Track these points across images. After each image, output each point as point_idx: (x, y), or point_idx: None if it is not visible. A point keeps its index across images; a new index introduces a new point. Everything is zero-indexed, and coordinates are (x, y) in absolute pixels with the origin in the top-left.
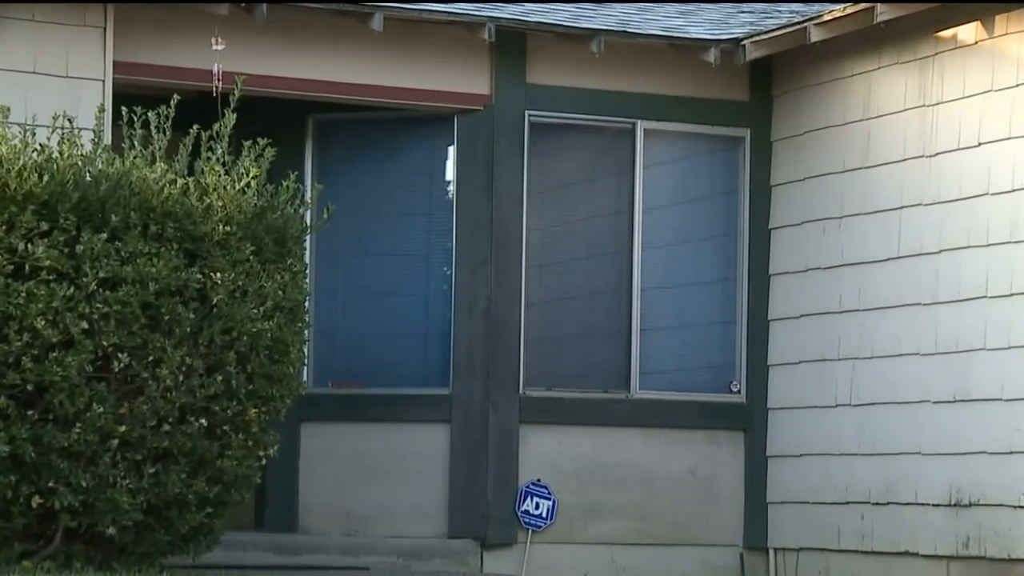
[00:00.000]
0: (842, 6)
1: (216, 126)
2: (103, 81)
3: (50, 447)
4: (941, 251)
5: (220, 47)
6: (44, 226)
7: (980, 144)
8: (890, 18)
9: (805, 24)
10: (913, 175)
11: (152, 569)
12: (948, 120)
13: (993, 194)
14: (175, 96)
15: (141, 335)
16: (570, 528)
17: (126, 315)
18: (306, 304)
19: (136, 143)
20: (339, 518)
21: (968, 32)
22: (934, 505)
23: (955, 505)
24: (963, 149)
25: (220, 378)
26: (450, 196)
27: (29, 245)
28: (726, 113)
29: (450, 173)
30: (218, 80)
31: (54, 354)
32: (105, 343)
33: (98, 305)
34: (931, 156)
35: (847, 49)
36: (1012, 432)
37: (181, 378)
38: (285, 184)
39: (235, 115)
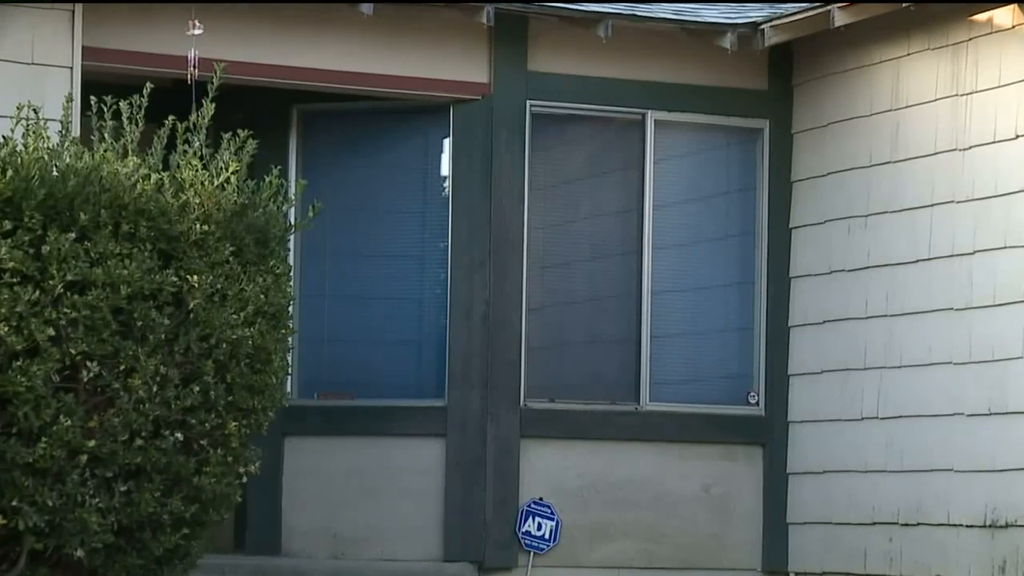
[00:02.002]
0: None
1: (193, 117)
2: (71, 68)
3: (13, 463)
4: (975, 252)
5: (197, 31)
6: (7, 225)
7: (1018, 136)
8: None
9: (829, 7)
10: (945, 170)
11: None
12: (983, 110)
13: None
14: (148, 84)
15: (112, 342)
16: (575, 550)
17: (96, 321)
18: (290, 309)
19: (107, 135)
20: (325, 540)
21: (1004, 16)
22: (968, 526)
23: (990, 526)
24: (999, 142)
25: (197, 389)
26: (446, 193)
27: None
28: (743, 103)
29: (446, 168)
30: (194, 67)
31: (18, 363)
32: (73, 351)
33: (66, 310)
34: (965, 149)
35: (874, 34)
36: None
37: (155, 389)
38: (267, 179)
39: (214, 105)
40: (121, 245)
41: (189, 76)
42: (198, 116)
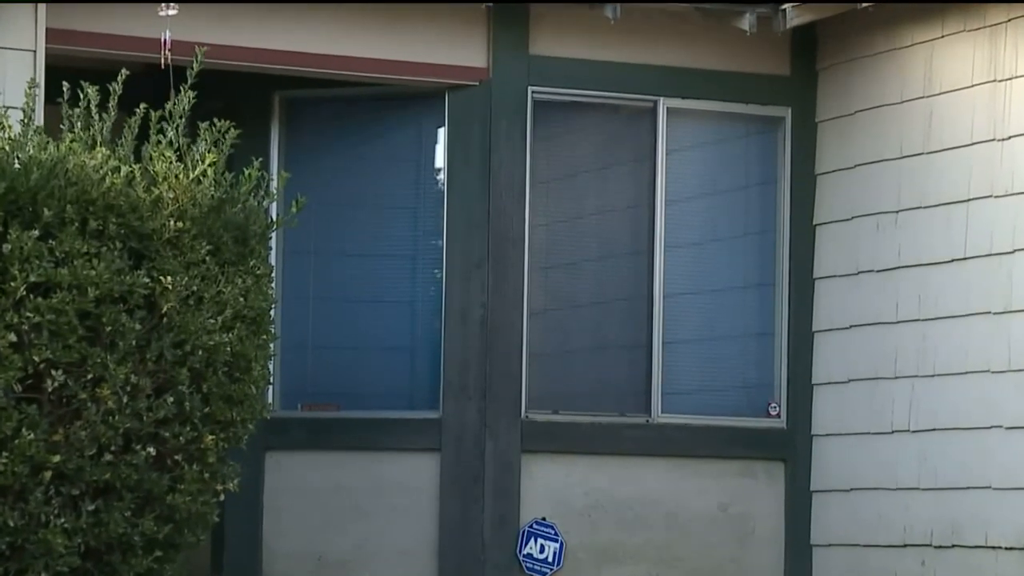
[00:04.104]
0: None
1: (169, 105)
2: (34, 52)
3: None
4: (1015, 251)
5: (171, 12)
6: None
7: None
8: None
9: None
10: (983, 161)
11: None
12: None
13: None
14: (123, 70)
15: (79, 349)
16: (580, 574)
17: (61, 325)
18: (272, 313)
19: (75, 123)
20: (310, 563)
21: None
22: (1007, 548)
23: None
24: None
25: (171, 399)
26: (440, 186)
27: None
28: (763, 89)
29: (440, 159)
30: (168, 50)
31: None
32: (37, 358)
33: (28, 314)
34: (1004, 139)
35: (905, 15)
36: None
37: (125, 399)
38: (247, 172)
39: (191, 92)
40: (88, 243)
41: (162, 60)
42: (175, 104)
